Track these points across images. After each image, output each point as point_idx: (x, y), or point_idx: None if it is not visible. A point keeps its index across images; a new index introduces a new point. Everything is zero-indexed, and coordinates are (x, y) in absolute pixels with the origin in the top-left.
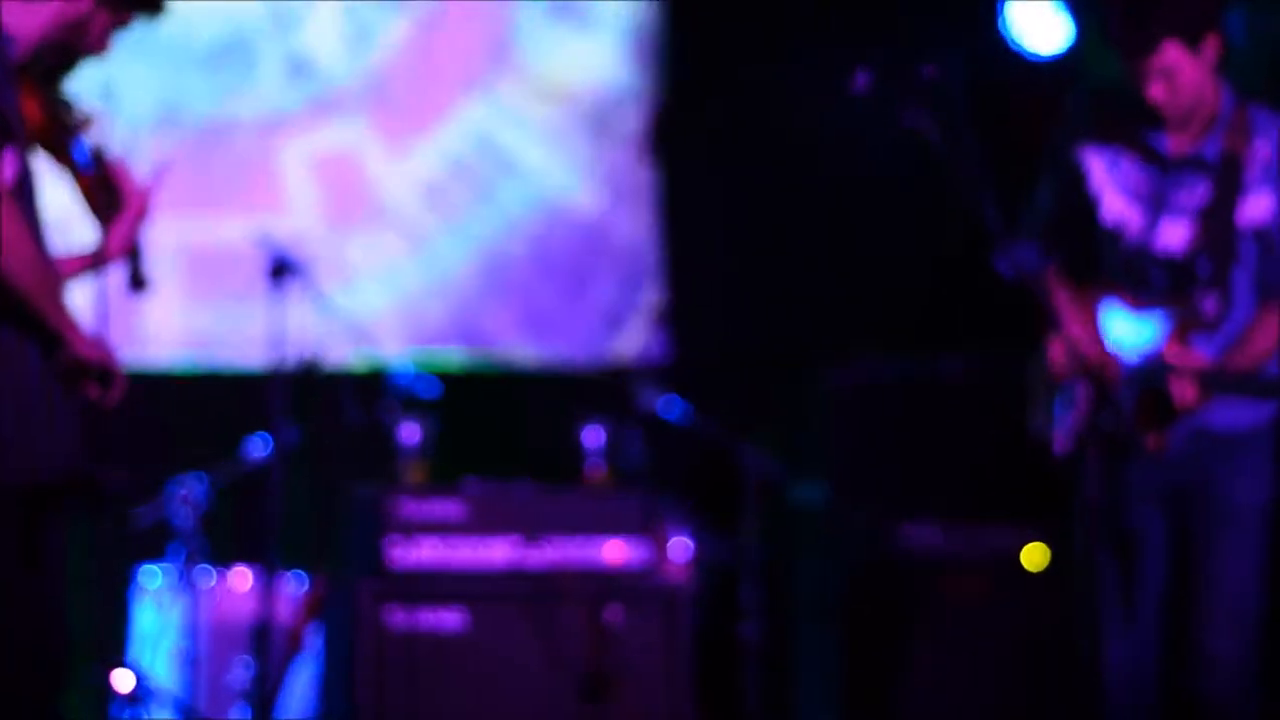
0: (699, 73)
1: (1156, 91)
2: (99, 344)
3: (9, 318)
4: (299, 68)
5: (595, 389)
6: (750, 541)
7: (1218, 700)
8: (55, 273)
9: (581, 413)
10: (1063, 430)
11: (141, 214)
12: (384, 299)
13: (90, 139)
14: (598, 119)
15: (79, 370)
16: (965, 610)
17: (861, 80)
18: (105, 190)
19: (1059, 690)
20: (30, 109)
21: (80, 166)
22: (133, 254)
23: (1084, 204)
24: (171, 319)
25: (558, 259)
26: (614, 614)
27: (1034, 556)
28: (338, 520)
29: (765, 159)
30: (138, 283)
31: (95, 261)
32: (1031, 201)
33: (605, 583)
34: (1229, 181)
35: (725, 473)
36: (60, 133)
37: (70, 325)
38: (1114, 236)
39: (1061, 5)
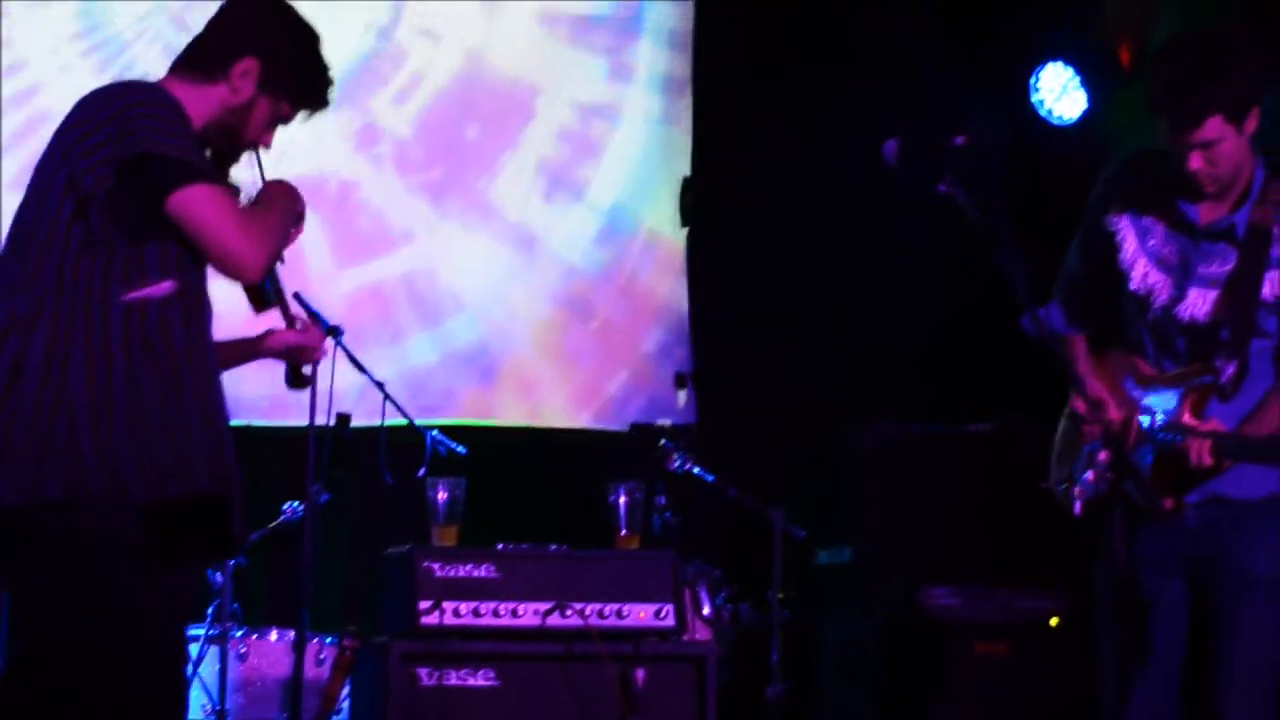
0: (729, 138)
1: (1196, 163)
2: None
3: None
4: None
5: (625, 451)
6: (777, 603)
7: None
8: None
9: (612, 475)
10: (1083, 491)
11: (311, 346)
12: (416, 362)
13: None
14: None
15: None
16: (989, 671)
17: (892, 149)
18: (268, 283)
19: None
20: None
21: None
22: (292, 361)
23: (1114, 270)
24: None
25: (590, 323)
26: (642, 676)
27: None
28: (370, 580)
29: (796, 224)
30: (298, 380)
31: (248, 351)
32: (1062, 266)
33: (634, 644)
34: (1256, 254)
35: (753, 535)
36: None
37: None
38: (1142, 303)
39: (1079, 78)
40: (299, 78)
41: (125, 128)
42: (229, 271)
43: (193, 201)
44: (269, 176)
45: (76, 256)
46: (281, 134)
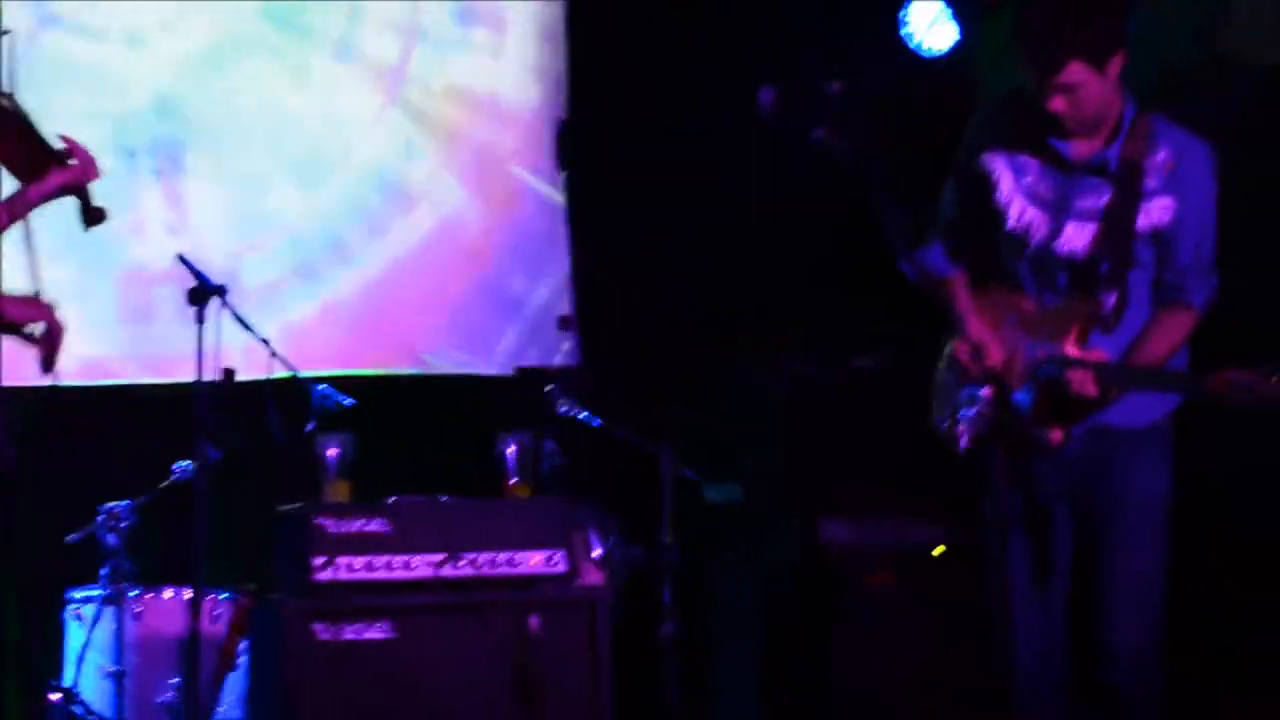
0: (606, 82)
1: (1058, 105)
2: (37, 304)
3: None
4: None
5: (513, 396)
6: (668, 544)
7: (1122, 692)
8: None
9: (499, 423)
10: (967, 428)
11: (83, 170)
12: (303, 314)
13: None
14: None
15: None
16: (878, 602)
17: (768, 97)
18: (26, 151)
19: (973, 679)
20: None
21: None
22: (80, 194)
23: (990, 209)
24: (93, 339)
25: (473, 267)
26: (536, 622)
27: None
28: (263, 537)
29: (677, 164)
30: (92, 216)
31: (13, 207)
32: (937, 208)
33: (526, 591)
34: (1130, 187)
35: (643, 477)
36: None
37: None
38: (1019, 240)
39: (949, 10)
40: None
41: None
42: None
43: None
44: None
45: None
46: None
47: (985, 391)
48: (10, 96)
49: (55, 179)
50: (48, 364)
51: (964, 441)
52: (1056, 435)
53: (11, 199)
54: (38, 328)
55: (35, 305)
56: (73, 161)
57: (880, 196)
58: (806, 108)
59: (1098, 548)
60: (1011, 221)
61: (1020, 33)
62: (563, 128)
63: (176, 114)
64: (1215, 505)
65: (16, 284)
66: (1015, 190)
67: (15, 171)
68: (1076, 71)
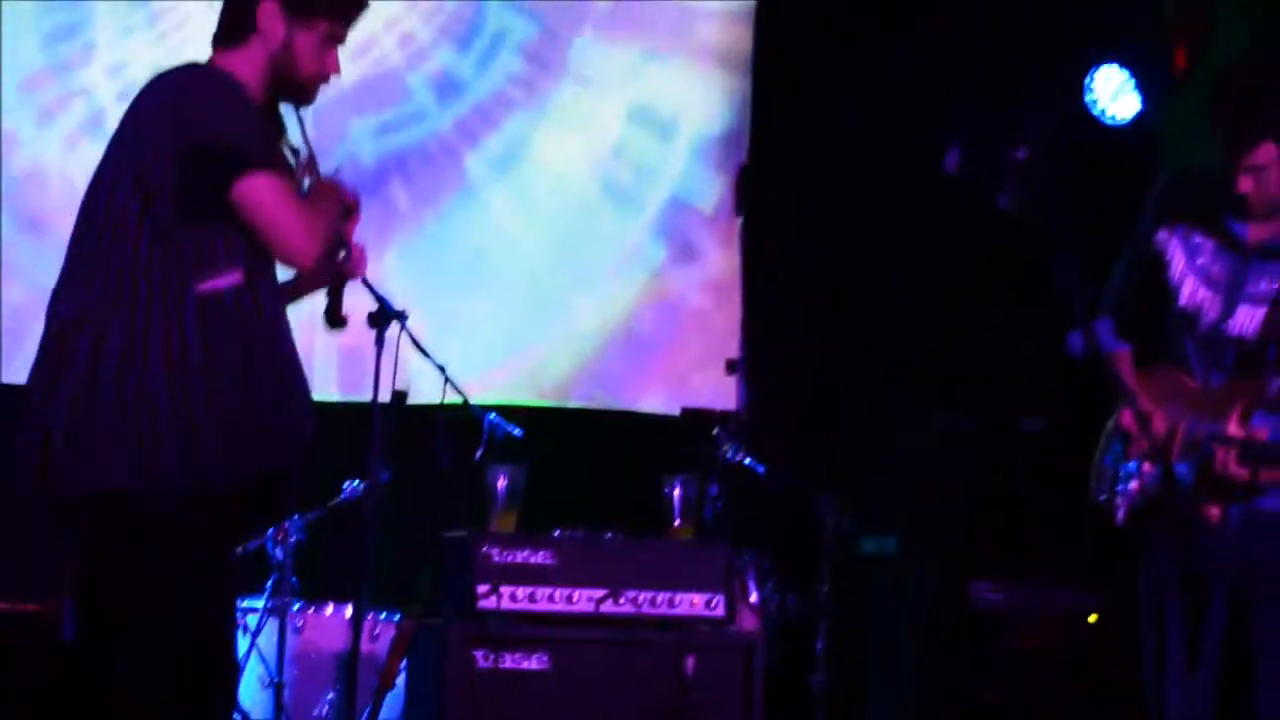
0: (788, 131)
1: (1246, 186)
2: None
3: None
4: None
5: (677, 436)
6: (824, 593)
7: None
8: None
9: (663, 461)
10: (1126, 501)
11: (356, 264)
12: (481, 346)
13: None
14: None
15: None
16: (1030, 664)
17: (954, 158)
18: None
19: None
20: None
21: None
22: (332, 292)
23: (1162, 287)
24: None
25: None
26: (691, 662)
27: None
28: (425, 560)
29: (854, 218)
30: (334, 319)
31: (293, 293)
32: (1109, 281)
33: (684, 632)
34: None
35: (801, 524)
36: (291, 179)
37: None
38: (1190, 319)
39: (1133, 80)
40: None
41: (184, 117)
42: (284, 257)
43: (253, 190)
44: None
45: (149, 249)
46: None
47: (1146, 465)
48: (315, 168)
49: (330, 266)
50: (334, 316)
51: (1121, 514)
52: (1214, 513)
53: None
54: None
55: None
56: (344, 254)
57: (1059, 266)
58: (990, 171)
59: (1252, 631)
60: (1183, 300)
61: (1215, 110)
62: (743, 173)
63: None
64: None
65: None
66: (1188, 270)
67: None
68: (1268, 152)
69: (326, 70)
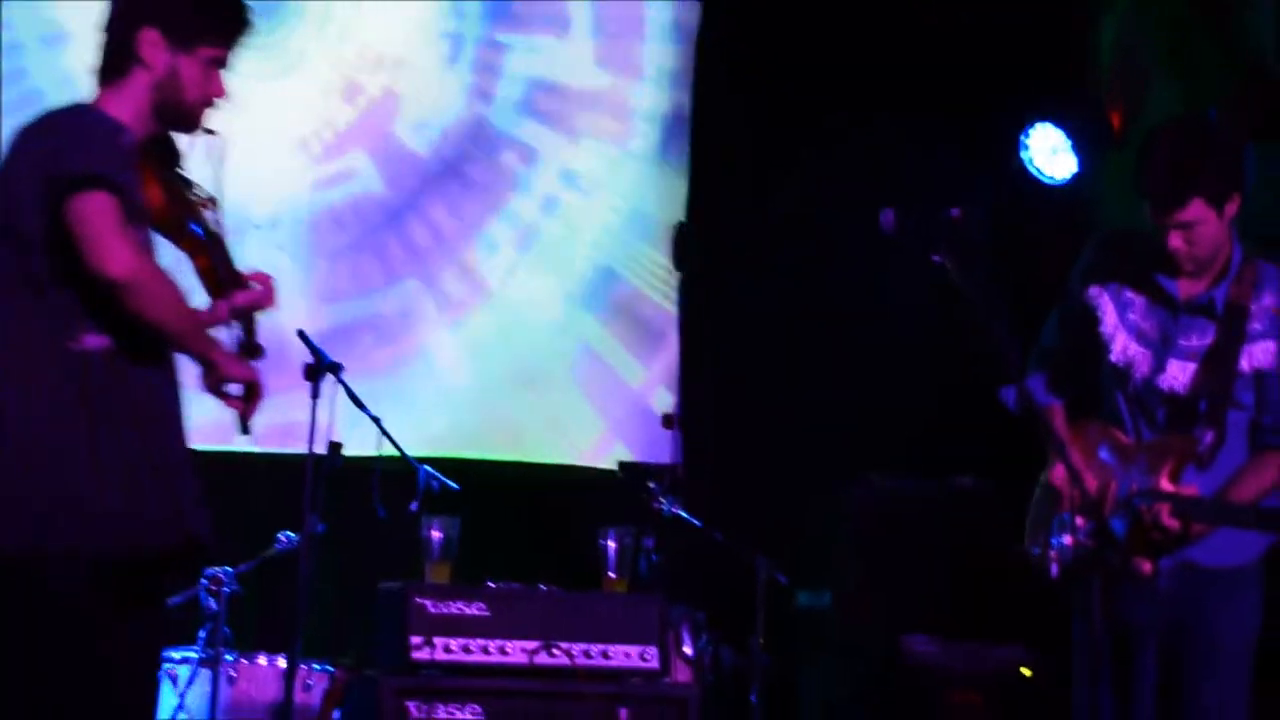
0: (726, 184)
1: (1176, 243)
2: (245, 363)
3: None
4: None
5: (613, 490)
6: (758, 646)
7: None
8: (191, 309)
9: (599, 515)
10: (1059, 555)
11: (264, 296)
12: (409, 400)
13: (211, 219)
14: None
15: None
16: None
17: (889, 218)
18: (224, 268)
19: None
20: (151, 193)
21: (199, 242)
22: (246, 323)
23: (1093, 342)
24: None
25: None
26: (624, 715)
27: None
28: (360, 613)
29: (788, 276)
30: (250, 350)
31: (213, 314)
32: (1040, 338)
33: (618, 685)
34: (1234, 328)
35: (735, 578)
36: (181, 213)
37: (218, 348)
38: (1122, 374)
39: (1069, 141)
40: (200, 17)
41: (47, 159)
42: (94, 268)
43: (85, 205)
44: None
45: (27, 302)
46: None
47: (1080, 520)
48: (216, 204)
49: (241, 299)
50: (245, 424)
51: (1054, 569)
52: (1146, 566)
53: (209, 310)
54: (234, 387)
55: (244, 364)
56: (255, 285)
57: (991, 323)
58: (926, 231)
59: (1184, 686)
60: (1114, 356)
61: (1144, 169)
62: (680, 230)
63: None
64: None
65: None
66: (1120, 325)
67: (206, 287)
68: (1197, 209)
69: (211, 95)
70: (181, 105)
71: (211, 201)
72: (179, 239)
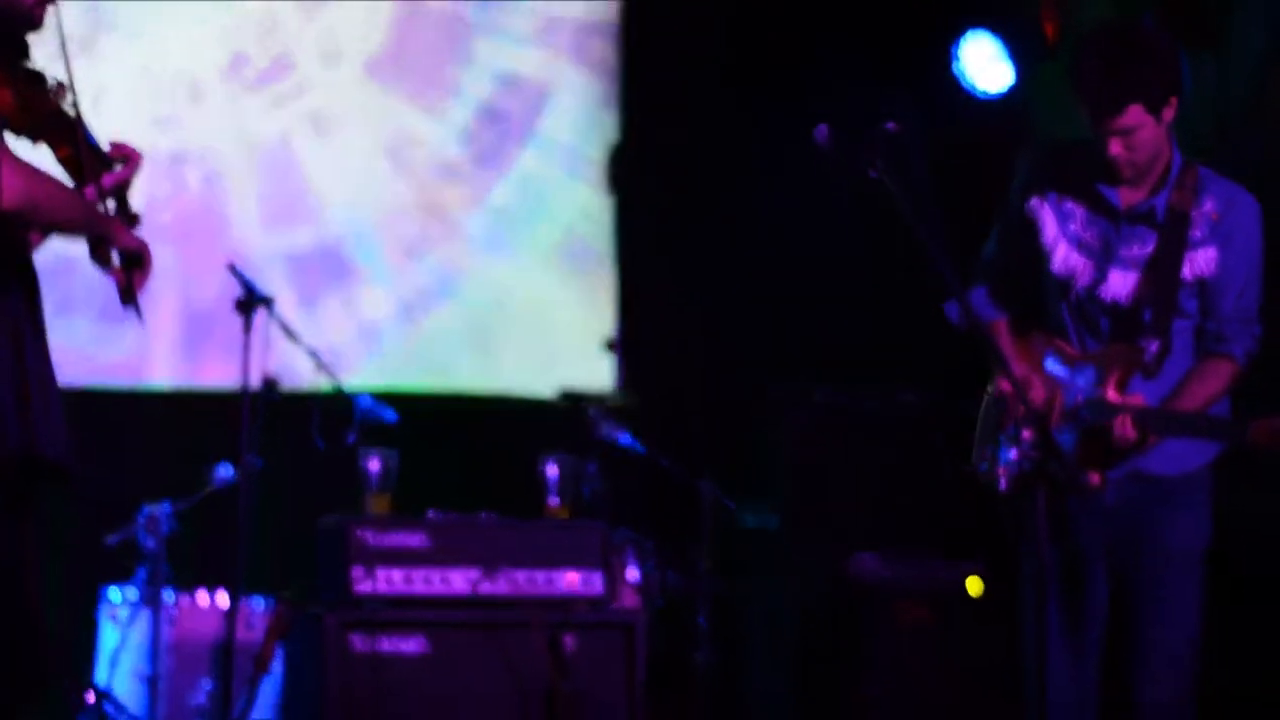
0: (660, 110)
1: (1116, 149)
2: (131, 233)
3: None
4: None
5: (555, 418)
6: (704, 570)
7: None
8: (78, 196)
9: (541, 445)
10: (1006, 470)
11: (130, 170)
12: (348, 328)
13: (67, 105)
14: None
15: (127, 258)
16: (912, 637)
17: (824, 133)
18: (86, 153)
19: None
20: (2, 96)
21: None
22: (119, 196)
23: (1035, 254)
24: (140, 341)
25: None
26: (571, 642)
27: (973, 587)
28: (301, 547)
29: (725, 194)
30: (129, 219)
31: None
32: (982, 251)
33: (563, 611)
34: (1176, 236)
35: (681, 502)
36: (37, 108)
37: (114, 222)
38: (1063, 285)
39: (1004, 50)
40: None
41: None
42: None
43: None
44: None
45: None
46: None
47: (1026, 433)
48: (67, 89)
49: (108, 180)
50: (130, 295)
51: (1003, 484)
52: (1094, 478)
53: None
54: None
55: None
56: (118, 163)
57: (929, 237)
58: (861, 146)
59: (1135, 600)
60: (1056, 267)
61: (1079, 75)
62: (616, 152)
63: None
64: (1254, 555)
65: None
66: (1060, 236)
67: (71, 174)
68: (1135, 114)
69: (38, 24)
70: (19, 7)
71: (62, 88)
72: (37, 135)
